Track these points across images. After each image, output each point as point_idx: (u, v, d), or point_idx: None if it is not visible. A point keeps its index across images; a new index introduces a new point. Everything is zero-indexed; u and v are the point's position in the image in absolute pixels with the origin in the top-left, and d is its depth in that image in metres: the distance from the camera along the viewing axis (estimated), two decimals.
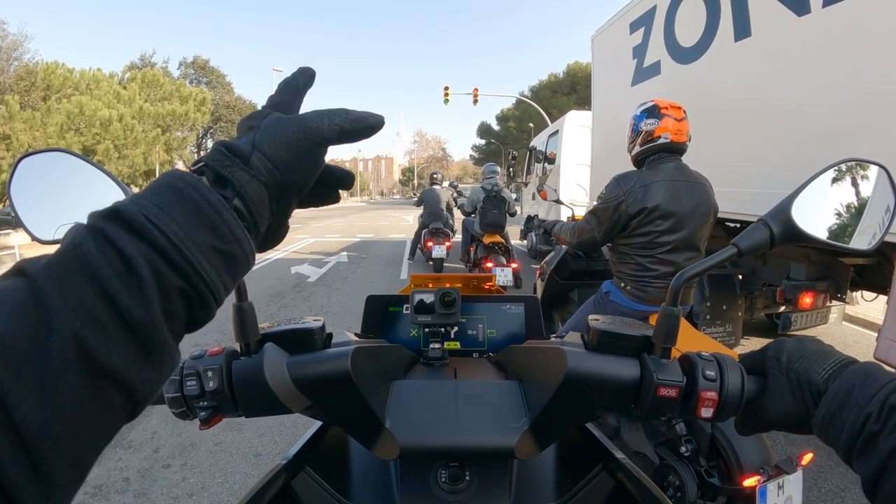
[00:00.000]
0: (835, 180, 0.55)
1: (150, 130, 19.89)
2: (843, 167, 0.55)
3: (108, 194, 0.54)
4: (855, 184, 0.55)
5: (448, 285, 0.97)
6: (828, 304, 3.47)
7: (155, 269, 0.29)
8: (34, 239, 0.53)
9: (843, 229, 0.55)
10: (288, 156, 0.39)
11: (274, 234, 0.43)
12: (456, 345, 0.97)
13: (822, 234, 0.54)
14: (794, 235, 0.53)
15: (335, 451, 0.78)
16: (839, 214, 0.55)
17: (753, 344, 4.48)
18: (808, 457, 1.63)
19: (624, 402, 0.55)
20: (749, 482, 1.60)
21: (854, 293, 3.78)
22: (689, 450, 1.82)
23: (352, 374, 0.54)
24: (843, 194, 0.55)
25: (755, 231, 0.54)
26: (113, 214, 0.30)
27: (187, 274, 0.31)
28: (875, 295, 3.59)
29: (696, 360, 0.53)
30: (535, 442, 0.60)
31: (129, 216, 0.30)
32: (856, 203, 0.55)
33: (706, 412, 0.51)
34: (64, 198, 0.54)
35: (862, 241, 0.55)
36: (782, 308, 3.84)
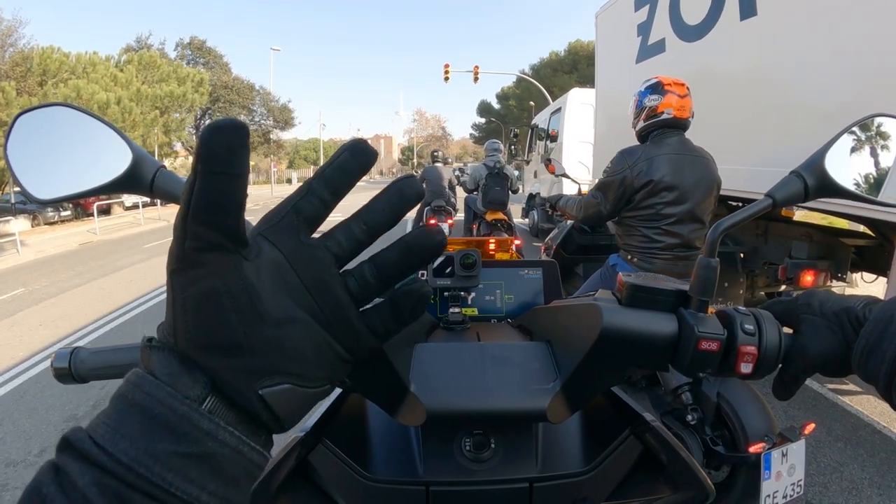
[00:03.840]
0: (866, 135, 0.54)
1: (149, 112, 19.66)
2: (875, 122, 0.55)
3: (112, 148, 0.50)
4: (886, 139, 0.54)
5: (465, 248, 0.93)
6: (828, 283, 3.46)
7: (116, 497, 0.25)
8: (30, 199, 0.50)
9: (875, 183, 0.54)
10: (167, 308, 0.29)
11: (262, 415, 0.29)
12: (473, 311, 0.94)
13: (854, 187, 0.53)
14: (828, 188, 0.52)
15: (354, 421, 0.75)
16: (870, 169, 0.54)
17: None
18: (811, 426, 1.67)
19: (661, 358, 0.52)
20: (754, 450, 1.63)
21: (854, 275, 3.78)
22: (694, 419, 1.86)
23: None
24: (875, 149, 0.54)
25: (789, 183, 0.53)
26: (64, 445, 0.26)
27: (155, 495, 0.25)
28: (875, 277, 3.59)
29: (734, 315, 0.50)
30: (566, 404, 0.57)
31: (76, 442, 0.26)
32: (887, 158, 0.54)
33: (745, 367, 0.49)
34: (65, 154, 0.51)
35: (893, 196, 0.54)
36: (783, 287, 3.83)
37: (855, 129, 0.54)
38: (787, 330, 0.51)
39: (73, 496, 0.24)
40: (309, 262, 0.29)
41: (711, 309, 0.52)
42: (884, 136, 0.55)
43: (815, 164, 0.53)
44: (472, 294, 0.95)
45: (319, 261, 0.30)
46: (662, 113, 2.11)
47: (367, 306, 0.32)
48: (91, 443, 0.25)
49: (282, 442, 0.67)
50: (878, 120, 0.55)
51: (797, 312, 0.51)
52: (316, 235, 0.31)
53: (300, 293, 0.29)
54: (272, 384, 0.29)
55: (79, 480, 0.25)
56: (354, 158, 0.30)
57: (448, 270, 0.91)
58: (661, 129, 2.14)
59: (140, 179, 0.51)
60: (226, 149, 0.26)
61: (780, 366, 0.51)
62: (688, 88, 2.13)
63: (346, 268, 0.32)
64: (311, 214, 0.29)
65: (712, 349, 0.49)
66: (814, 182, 0.52)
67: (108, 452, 0.25)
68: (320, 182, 0.29)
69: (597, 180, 2.24)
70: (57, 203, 0.50)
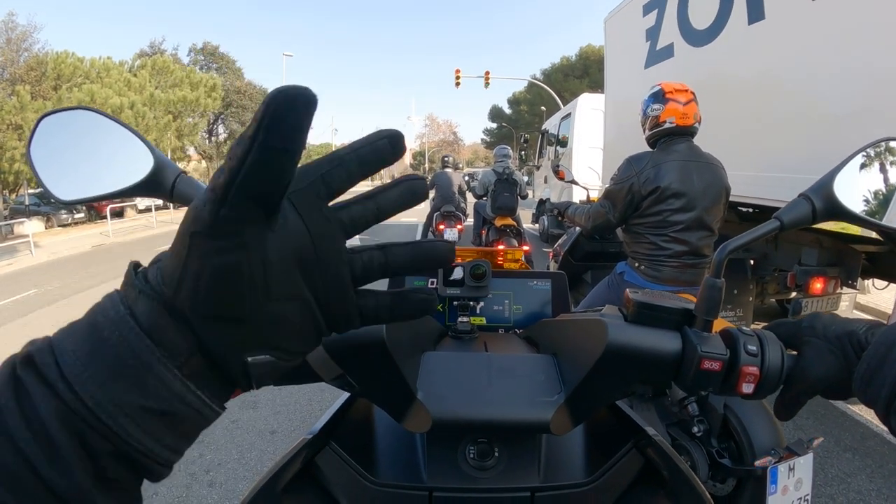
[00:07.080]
0: (877, 158, 0.55)
1: (162, 117, 19.87)
2: (885, 146, 0.55)
3: (134, 152, 0.51)
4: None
5: (475, 258, 0.95)
6: (839, 290, 3.43)
7: (75, 432, 0.24)
8: (53, 199, 0.51)
9: (883, 207, 0.54)
10: (172, 259, 0.27)
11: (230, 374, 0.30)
12: (482, 320, 0.95)
13: (862, 211, 0.54)
14: (836, 211, 0.53)
15: (360, 425, 0.76)
16: (880, 193, 0.54)
17: None
18: (818, 440, 1.63)
19: (664, 376, 0.53)
20: (760, 463, 1.60)
21: (865, 281, 3.74)
22: (701, 430, 1.83)
23: (386, 342, 0.52)
24: (884, 173, 0.55)
25: (797, 205, 0.54)
26: (28, 361, 0.26)
27: (112, 440, 0.25)
28: (886, 283, 3.55)
29: (738, 335, 0.51)
30: (570, 417, 0.58)
31: (42, 367, 0.25)
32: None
33: (747, 388, 0.50)
34: (87, 156, 0.52)
35: None
36: (793, 294, 3.81)
37: (865, 152, 0.55)
38: (791, 351, 0.52)
39: (33, 421, 0.24)
40: (328, 237, 0.29)
41: (725, 322, 0.53)
42: (895, 157, 0.55)
43: (824, 187, 0.53)
44: (481, 303, 0.96)
45: (335, 237, 0.29)
46: (665, 122, 2.10)
47: (366, 287, 0.32)
48: (57, 373, 0.25)
49: (290, 443, 0.68)
50: (889, 144, 0.55)
51: (801, 335, 0.52)
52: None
53: (311, 268, 0.29)
54: (257, 354, 0.29)
55: (40, 407, 0.24)
56: (392, 147, 0.29)
57: (458, 280, 0.92)
58: (667, 136, 2.13)
59: (161, 184, 0.53)
60: (292, 125, 0.24)
61: (781, 386, 0.51)
62: (693, 94, 2.12)
63: (352, 245, 0.31)
64: (335, 186, 0.29)
65: (714, 368, 0.50)
66: (821, 205, 0.53)
67: (75, 391, 0.25)
68: (353, 158, 0.29)
69: (605, 188, 2.24)
70: (78, 204, 0.52)
